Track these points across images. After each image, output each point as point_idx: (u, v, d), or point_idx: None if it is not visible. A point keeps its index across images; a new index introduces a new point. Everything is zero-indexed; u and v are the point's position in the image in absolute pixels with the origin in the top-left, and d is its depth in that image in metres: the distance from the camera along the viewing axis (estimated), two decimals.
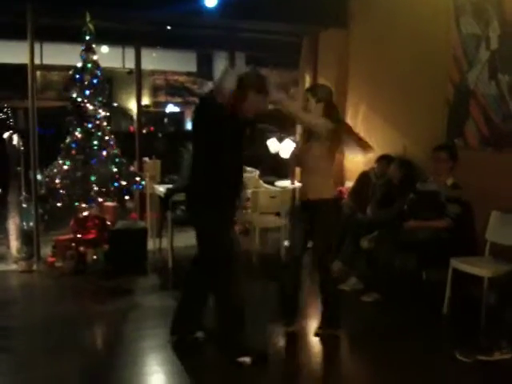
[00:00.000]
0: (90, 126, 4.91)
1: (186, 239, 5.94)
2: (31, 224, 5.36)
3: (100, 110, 5.03)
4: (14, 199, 5.69)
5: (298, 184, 5.60)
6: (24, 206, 5.52)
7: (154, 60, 8.66)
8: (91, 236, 4.98)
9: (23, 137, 5.66)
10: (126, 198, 5.14)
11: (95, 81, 4.95)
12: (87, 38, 4.99)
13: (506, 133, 4.22)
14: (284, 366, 3.38)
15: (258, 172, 6.11)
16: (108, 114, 5.11)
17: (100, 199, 4.93)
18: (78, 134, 4.92)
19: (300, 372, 3.32)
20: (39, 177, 5.22)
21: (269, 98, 3.20)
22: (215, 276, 3.25)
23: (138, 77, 6.18)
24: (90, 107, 4.93)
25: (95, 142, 4.90)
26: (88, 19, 4.96)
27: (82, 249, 4.95)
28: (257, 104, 3.15)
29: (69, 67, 6.95)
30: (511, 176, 4.07)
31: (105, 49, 7.94)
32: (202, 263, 3.40)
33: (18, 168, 5.75)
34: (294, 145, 5.52)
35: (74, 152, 4.91)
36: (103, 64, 5.29)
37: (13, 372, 3.19)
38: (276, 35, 6.49)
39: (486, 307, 3.79)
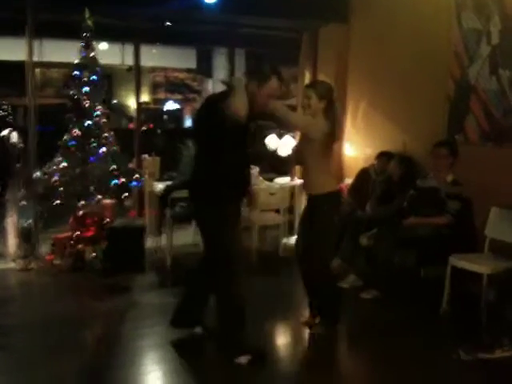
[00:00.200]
0: (88, 123, 4.87)
1: (185, 237, 5.95)
2: (30, 222, 5.34)
3: (99, 107, 5.00)
4: (13, 197, 5.67)
5: (298, 181, 5.58)
6: (23, 203, 5.50)
7: (153, 57, 8.62)
8: (90, 234, 4.96)
9: (22, 134, 5.64)
10: (125, 195, 5.10)
11: (94, 77, 4.92)
12: (86, 34, 4.96)
13: (506, 128, 4.20)
14: (282, 365, 3.35)
15: (257, 169, 6.09)
16: (107, 110, 5.09)
17: (98, 196, 4.90)
18: (76, 131, 4.89)
19: (299, 370, 3.31)
20: (38, 174, 5.20)
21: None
22: (216, 274, 3.24)
23: (137, 73, 6.15)
24: (89, 104, 4.90)
25: (94, 139, 4.87)
26: (87, 15, 4.93)
27: (80, 246, 4.93)
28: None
29: (68, 64, 6.94)
30: (511, 171, 4.04)
31: (104, 45, 7.90)
32: (205, 260, 3.41)
33: (18, 165, 5.72)
34: (293, 141, 5.49)
35: (72, 149, 4.88)
36: (102, 61, 5.26)
37: (10, 370, 3.17)
38: (276, 31, 6.45)
39: (486, 304, 3.77)
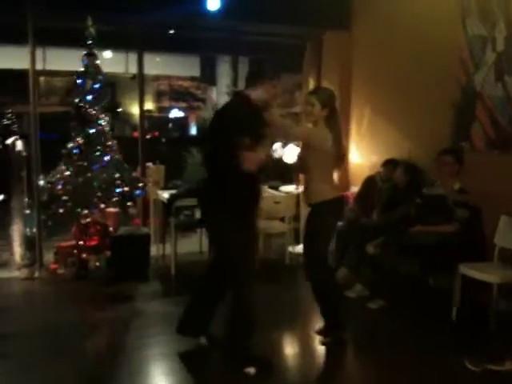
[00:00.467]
0: (92, 131, 4.86)
1: (189, 245, 5.92)
2: (34, 230, 5.32)
3: (102, 115, 4.99)
4: (18, 205, 5.67)
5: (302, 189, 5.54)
6: (27, 211, 5.49)
7: (157, 65, 8.63)
8: (93, 242, 4.93)
9: (27, 142, 5.63)
10: (129, 203, 5.08)
11: (97, 86, 4.91)
12: (89, 42, 4.95)
13: None
14: (289, 375, 3.30)
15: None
16: (110, 119, 5.07)
17: (102, 205, 4.88)
18: (80, 140, 4.88)
19: (306, 380, 3.25)
20: (41, 182, 5.19)
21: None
22: (231, 282, 3.21)
23: (140, 82, 6.14)
24: (92, 112, 4.89)
25: (97, 148, 4.85)
26: (90, 23, 4.92)
27: (84, 255, 4.90)
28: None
29: (72, 72, 6.94)
30: None
31: (108, 54, 7.91)
32: (213, 269, 3.36)
33: (22, 173, 5.73)
34: (297, 150, 5.46)
35: (75, 157, 4.86)
36: (106, 69, 5.26)
37: (12, 380, 3.14)
38: (279, 38, 6.43)
39: (496, 314, 3.71)
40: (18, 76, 7.35)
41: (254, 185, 3.25)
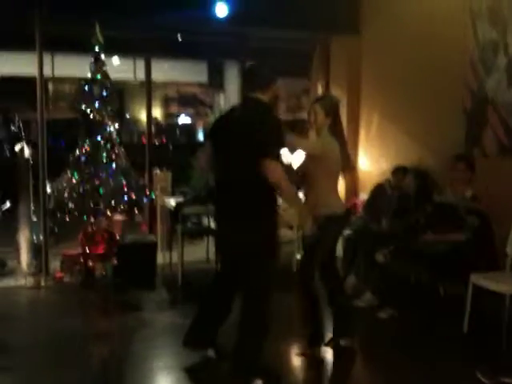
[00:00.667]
0: (99, 138, 4.83)
1: (196, 253, 5.86)
2: (40, 238, 5.30)
3: (109, 122, 4.97)
4: (24, 212, 5.65)
5: None
6: (33, 219, 5.47)
7: (165, 71, 8.62)
8: (100, 250, 4.89)
9: (35, 149, 5.62)
10: (136, 211, 5.04)
11: (104, 92, 4.89)
12: (96, 48, 4.94)
13: None
14: None
15: None
16: (118, 125, 5.05)
17: (109, 212, 4.85)
18: (87, 147, 4.86)
19: None
20: (48, 190, 5.17)
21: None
22: (254, 293, 3.11)
23: (148, 88, 6.12)
24: (100, 119, 4.86)
25: (104, 155, 4.82)
26: (97, 29, 4.91)
27: (90, 263, 4.86)
28: None
29: (80, 79, 6.93)
30: None
31: (116, 60, 7.92)
32: (227, 279, 3.27)
33: (29, 180, 5.71)
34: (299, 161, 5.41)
35: (82, 164, 4.84)
36: (114, 76, 5.24)
37: None
38: (288, 43, 6.39)
39: (508, 325, 3.62)
40: (26, 82, 7.37)
41: (275, 196, 3.13)
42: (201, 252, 5.92)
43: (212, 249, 5.76)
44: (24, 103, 8.60)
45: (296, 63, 7.07)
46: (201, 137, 12.95)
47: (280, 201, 3.21)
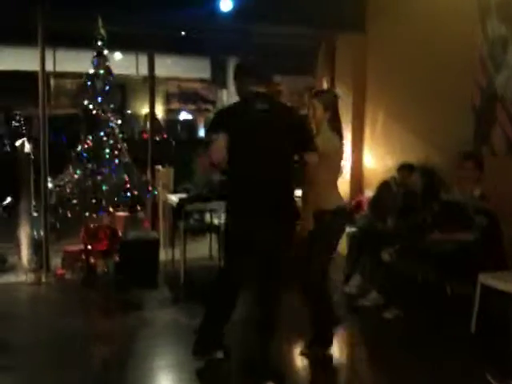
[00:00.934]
0: (101, 133, 4.77)
1: (198, 250, 5.80)
2: (41, 234, 5.24)
3: (112, 118, 4.91)
4: (25, 208, 5.60)
5: None
6: (34, 215, 5.41)
7: (167, 67, 8.55)
8: (102, 247, 4.83)
9: (37, 145, 5.57)
10: (138, 207, 4.98)
11: (107, 87, 4.82)
12: (99, 43, 4.87)
13: None
14: None
15: None
16: (120, 121, 4.98)
17: (111, 209, 4.79)
18: (89, 142, 4.79)
19: None
20: (50, 185, 5.11)
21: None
22: (274, 296, 3.07)
23: (151, 83, 6.06)
24: (102, 114, 4.80)
25: (107, 150, 4.76)
26: (100, 24, 4.85)
27: (92, 260, 4.81)
28: None
29: (82, 74, 6.85)
30: None
31: (118, 55, 7.85)
32: (226, 276, 3.18)
33: (30, 176, 5.66)
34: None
35: (85, 160, 4.77)
36: (116, 71, 5.18)
37: None
38: (292, 40, 6.32)
39: None
40: (29, 77, 7.31)
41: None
42: (203, 249, 5.86)
43: (215, 246, 5.71)
44: (25, 99, 8.55)
45: (299, 61, 7.01)
46: (201, 133, 12.93)
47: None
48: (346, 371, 3.42)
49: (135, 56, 8.52)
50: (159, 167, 6.39)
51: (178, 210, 4.97)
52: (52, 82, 9.88)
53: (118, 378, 3.22)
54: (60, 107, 9.34)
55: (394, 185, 4.94)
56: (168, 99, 12.54)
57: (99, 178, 4.73)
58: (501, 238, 4.03)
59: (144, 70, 8.43)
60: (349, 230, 5.17)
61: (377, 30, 5.66)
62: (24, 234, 5.38)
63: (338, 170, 3.45)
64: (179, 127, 13.35)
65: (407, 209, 4.63)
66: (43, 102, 5.06)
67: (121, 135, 5.04)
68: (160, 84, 10.57)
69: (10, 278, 5.02)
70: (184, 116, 13.38)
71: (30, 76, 7.01)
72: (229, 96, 8.98)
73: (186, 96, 12.74)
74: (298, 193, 3.20)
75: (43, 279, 4.91)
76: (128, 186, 4.80)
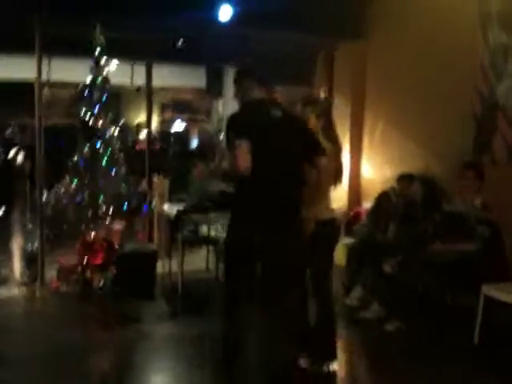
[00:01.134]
0: (98, 143, 4.70)
1: (195, 262, 5.71)
2: (36, 246, 5.15)
3: (108, 127, 4.84)
4: (18, 219, 5.52)
5: None
6: (29, 226, 5.33)
7: (163, 76, 8.49)
8: (98, 260, 4.74)
9: (31, 155, 5.49)
10: (135, 218, 4.92)
11: (104, 97, 4.76)
12: (97, 51, 4.82)
13: None
14: None
15: None
16: (118, 131, 4.92)
17: (108, 220, 4.71)
18: (85, 152, 4.72)
19: None
20: (45, 196, 5.04)
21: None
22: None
23: (148, 93, 6.01)
24: (99, 124, 4.74)
25: (104, 160, 4.69)
26: (99, 31, 4.80)
27: (88, 273, 4.71)
28: None
29: (76, 84, 6.78)
30: None
31: (113, 65, 7.78)
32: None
33: (24, 187, 5.59)
34: None
35: (81, 170, 4.70)
36: (112, 80, 5.12)
37: None
38: (291, 48, 6.27)
39: None
40: (21, 86, 7.23)
41: None
42: (199, 261, 5.77)
43: (211, 258, 5.63)
44: (18, 108, 8.47)
45: (295, 70, 6.97)
46: (194, 144, 12.86)
47: None
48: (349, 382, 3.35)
49: (130, 66, 8.47)
50: (155, 178, 6.33)
51: (176, 221, 4.90)
52: (46, 91, 9.78)
53: None
54: (54, 117, 9.24)
55: (394, 195, 4.90)
56: (162, 109, 12.49)
57: (96, 188, 4.65)
58: (503, 248, 4.00)
59: (139, 80, 8.40)
60: (347, 241, 5.15)
61: (377, 38, 5.63)
62: (16, 246, 5.29)
63: (328, 181, 3.32)
64: (172, 138, 13.29)
65: (408, 219, 4.59)
66: (40, 112, 4.98)
67: (117, 145, 4.97)
68: (154, 94, 10.51)
69: (3, 292, 4.91)
70: (177, 127, 13.33)
71: (23, 85, 6.94)
72: (224, 105, 8.95)
73: (180, 106, 12.70)
74: None
75: (37, 292, 4.81)
76: (125, 196, 4.72)
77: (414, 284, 3.99)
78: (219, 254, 5.33)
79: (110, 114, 4.87)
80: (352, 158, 5.84)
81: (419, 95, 5.06)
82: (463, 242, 3.95)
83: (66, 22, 4.97)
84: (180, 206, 5.03)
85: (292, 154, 2.86)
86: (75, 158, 4.85)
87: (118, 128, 5.04)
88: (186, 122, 12.99)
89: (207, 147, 10.20)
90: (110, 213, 4.72)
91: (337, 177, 3.37)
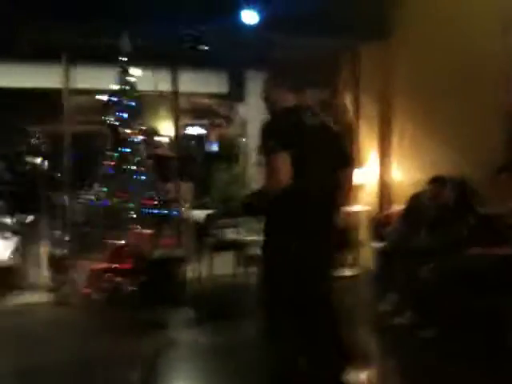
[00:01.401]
0: (127, 150, 4.71)
1: (221, 267, 5.66)
2: (65, 251, 5.17)
3: (136, 134, 4.85)
4: (45, 225, 5.57)
5: None
6: (57, 232, 5.37)
7: (184, 82, 8.49)
8: (127, 266, 4.74)
9: (54, 162, 5.54)
10: (164, 224, 4.91)
11: (133, 103, 4.78)
12: (124, 59, 4.84)
13: None
14: None
15: None
16: (145, 137, 4.93)
17: (137, 226, 4.70)
18: (114, 159, 4.73)
19: None
20: (67, 202, 5.08)
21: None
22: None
23: (175, 99, 6.03)
24: (128, 131, 4.75)
25: (133, 167, 4.69)
26: (126, 39, 4.82)
27: (118, 279, 4.70)
28: None
29: (101, 91, 6.81)
30: None
31: (137, 71, 7.81)
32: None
33: (47, 193, 5.65)
34: None
35: (110, 177, 4.71)
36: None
37: None
38: (315, 51, 6.22)
39: None
40: (43, 95, 7.29)
41: None
42: (224, 266, 5.71)
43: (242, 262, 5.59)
44: (41, 116, 8.54)
45: (318, 73, 6.92)
46: (213, 148, 12.85)
47: None
48: None
49: (152, 72, 8.49)
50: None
51: (205, 226, 4.89)
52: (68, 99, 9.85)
53: None
54: (78, 124, 9.30)
55: (426, 198, 4.82)
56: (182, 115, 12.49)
57: (125, 195, 4.66)
58: None
59: (161, 86, 8.40)
60: (377, 244, 5.09)
61: (406, 39, 5.52)
62: (44, 252, 5.33)
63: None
64: (192, 143, 13.30)
65: (440, 223, 4.51)
66: (67, 120, 5.02)
67: (145, 152, 4.97)
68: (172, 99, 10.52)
69: (31, 298, 4.92)
70: (195, 131, 13.34)
71: (44, 93, 6.99)
72: (247, 110, 8.91)
73: (199, 112, 12.69)
74: None
75: (68, 299, 4.81)
76: (154, 202, 4.72)
77: (451, 290, 3.91)
78: (246, 259, 5.34)
79: (139, 121, 4.87)
80: (380, 160, 5.77)
81: (450, 96, 4.97)
82: (501, 246, 3.87)
83: (93, 31, 5.00)
84: (207, 211, 5.03)
85: (329, 166, 2.77)
86: (104, 165, 4.85)
87: (145, 135, 5.05)
88: (205, 127, 13.01)
89: (228, 152, 10.18)
90: (139, 219, 4.70)
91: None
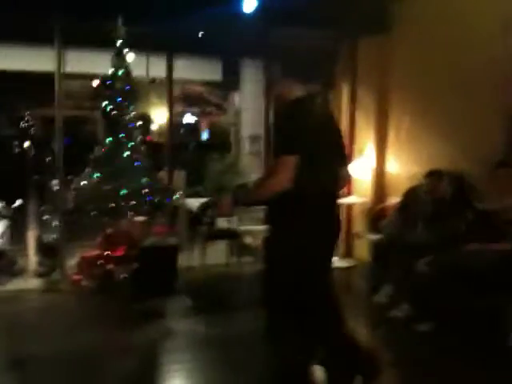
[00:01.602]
0: (121, 135, 4.61)
1: (214, 256, 5.62)
2: (54, 237, 5.08)
3: (131, 119, 4.75)
4: (34, 210, 5.49)
5: None
6: (46, 217, 5.27)
7: (177, 69, 8.38)
8: (119, 253, 4.66)
9: (40, 146, 5.44)
10: (157, 212, 4.83)
11: (127, 88, 4.67)
12: (118, 43, 4.72)
13: None
14: None
15: None
16: (141, 122, 4.83)
17: (130, 214, 4.62)
18: (107, 144, 4.63)
19: None
20: (57, 187, 4.99)
21: None
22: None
23: (169, 85, 5.93)
24: (122, 116, 4.64)
25: (127, 153, 4.60)
26: (120, 24, 4.71)
27: (109, 266, 4.63)
28: None
29: (91, 76, 6.68)
30: None
31: (130, 57, 7.67)
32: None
33: (35, 177, 5.56)
34: None
35: (103, 163, 4.61)
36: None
37: None
38: (313, 42, 6.15)
39: None
40: (36, 78, 7.14)
41: None
42: (217, 255, 5.67)
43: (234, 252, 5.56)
44: (32, 100, 8.38)
45: (317, 64, 6.83)
46: (205, 136, 12.77)
47: None
48: None
49: (145, 57, 8.34)
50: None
51: (198, 215, 4.82)
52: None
53: None
54: (68, 109, 9.14)
55: (422, 192, 4.79)
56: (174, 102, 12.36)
57: (118, 181, 4.56)
58: None
59: (154, 72, 8.28)
60: (372, 236, 5.07)
61: (404, 32, 5.48)
62: (32, 237, 5.24)
63: None
64: (182, 130, 13.20)
65: (437, 217, 4.48)
66: (59, 104, 4.90)
67: (139, 138, 4.87)
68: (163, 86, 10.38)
69: (20, 283, 4.83)
70: (187, 119, 13.22)
71: (37, 76, 6.84)
72: (241, 99, 8.83)
73: (190, 99, 12.57)
74: None
75: (56, 285, 4.73)
76: (148, 190, 4.63)
77: (447, 284, 3.89)
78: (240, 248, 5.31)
79: (133, 106, 4.77)
80: (377, 152, 5.74)
81: (448, 91, 4.93)
82: (499, 242, 3.85)
83: (86, 15, 4.87)
84: (201, 200, 4.94)
85: (336, 164, 2.74)
86: (96, 151, 4.75)
87: (139, 120, 4.95)
88: (197, 114, 12.91)
89: (220, 140, 10.11)
90: (132, 206, 4.61)
91: None
